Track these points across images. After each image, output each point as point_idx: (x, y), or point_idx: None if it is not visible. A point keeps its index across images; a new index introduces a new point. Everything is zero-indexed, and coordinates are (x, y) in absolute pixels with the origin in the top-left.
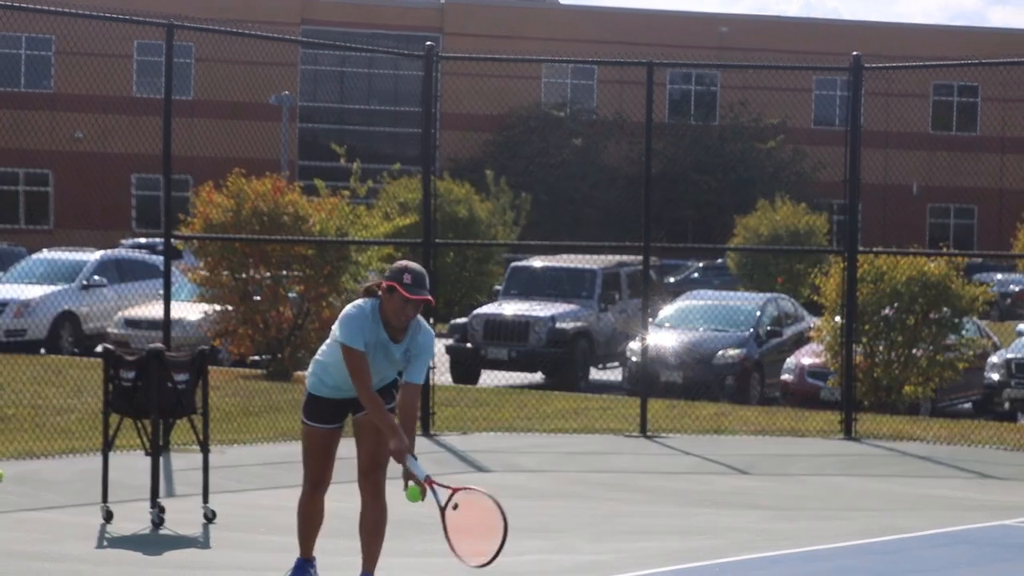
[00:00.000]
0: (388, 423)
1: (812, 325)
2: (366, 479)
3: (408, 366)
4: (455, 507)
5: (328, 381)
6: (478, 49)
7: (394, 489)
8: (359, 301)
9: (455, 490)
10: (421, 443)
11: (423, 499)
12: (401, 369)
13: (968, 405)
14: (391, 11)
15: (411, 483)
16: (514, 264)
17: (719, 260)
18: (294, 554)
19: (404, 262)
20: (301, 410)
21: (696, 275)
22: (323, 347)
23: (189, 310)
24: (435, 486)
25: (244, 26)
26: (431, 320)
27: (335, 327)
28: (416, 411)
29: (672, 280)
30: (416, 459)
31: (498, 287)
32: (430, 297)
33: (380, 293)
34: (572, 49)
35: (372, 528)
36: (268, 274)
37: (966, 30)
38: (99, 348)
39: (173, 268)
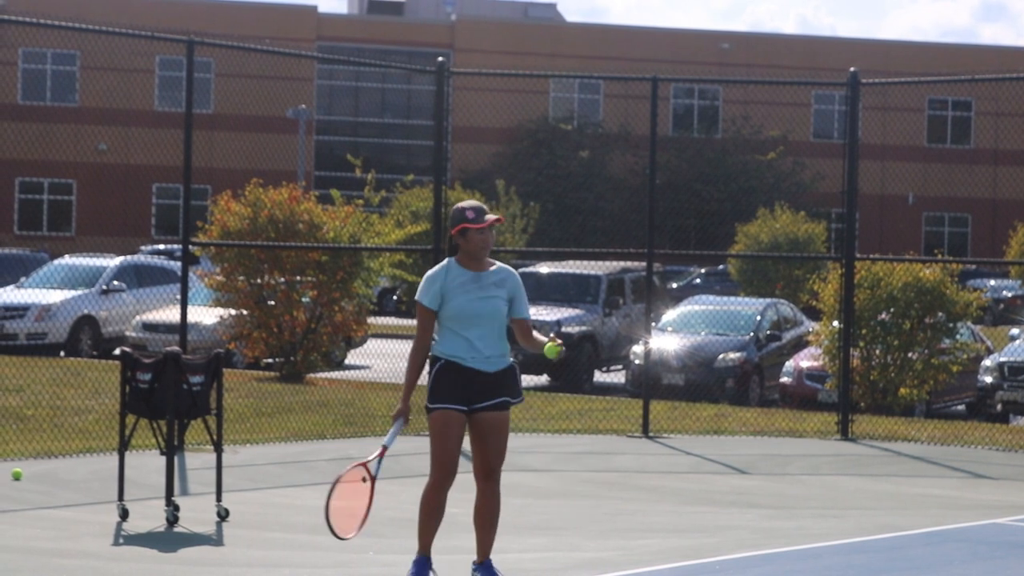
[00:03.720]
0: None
1: (810, 329)
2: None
3: (511, 307)
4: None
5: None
6: (488, 65)
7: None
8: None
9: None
10: (426, 444)
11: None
12: (502, 305)
13: (962, 407)
14: (404, 28)
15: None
16: (521, 270)
17: (720, 266)
18: (306, 551)
19: (459, 204)
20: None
21: (698, 281)
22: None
23: (205, 314)
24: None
25: (262, 42)
26: None
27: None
28: (531, 331)
29: (675, 286)
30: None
31: None
32: (500, 217)
33: (456, 241)
34: (579, 65)
35: (486, 520)
36: (282, 279)
37: (959, 47)
38: (117, 351)
39: (190, 273)
